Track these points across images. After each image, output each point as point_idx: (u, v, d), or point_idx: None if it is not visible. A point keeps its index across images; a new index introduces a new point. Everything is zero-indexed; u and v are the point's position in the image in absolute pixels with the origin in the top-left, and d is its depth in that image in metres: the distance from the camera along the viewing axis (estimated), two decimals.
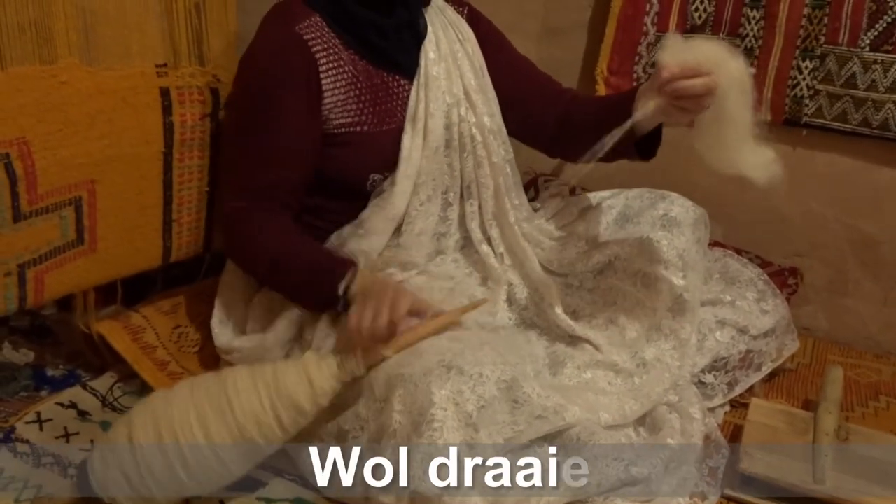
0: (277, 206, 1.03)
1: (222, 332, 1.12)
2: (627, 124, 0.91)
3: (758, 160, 0.90)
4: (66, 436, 1.01)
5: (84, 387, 1.11)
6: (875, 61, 1.24)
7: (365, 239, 1.06)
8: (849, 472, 0.92)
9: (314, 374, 0.86)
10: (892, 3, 1.22)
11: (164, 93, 1.07)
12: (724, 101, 0.86)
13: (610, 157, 0.94)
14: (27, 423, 1.02)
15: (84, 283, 1.07)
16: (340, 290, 0.95)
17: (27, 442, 0.99)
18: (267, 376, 0.86)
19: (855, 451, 0.96)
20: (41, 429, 1.02)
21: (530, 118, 1.17)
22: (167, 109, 1.08)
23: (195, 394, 0.85)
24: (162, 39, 1.06)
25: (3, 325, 1.27)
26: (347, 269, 0.97)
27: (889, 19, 1.23)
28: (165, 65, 1.08)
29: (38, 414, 1.04)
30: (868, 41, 1.24)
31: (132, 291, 1.24)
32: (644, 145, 1.04)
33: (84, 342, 1.19)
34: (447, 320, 0.92)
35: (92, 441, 1.00)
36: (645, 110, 0.90)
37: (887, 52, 1.23)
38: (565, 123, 1.15)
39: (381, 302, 0.88)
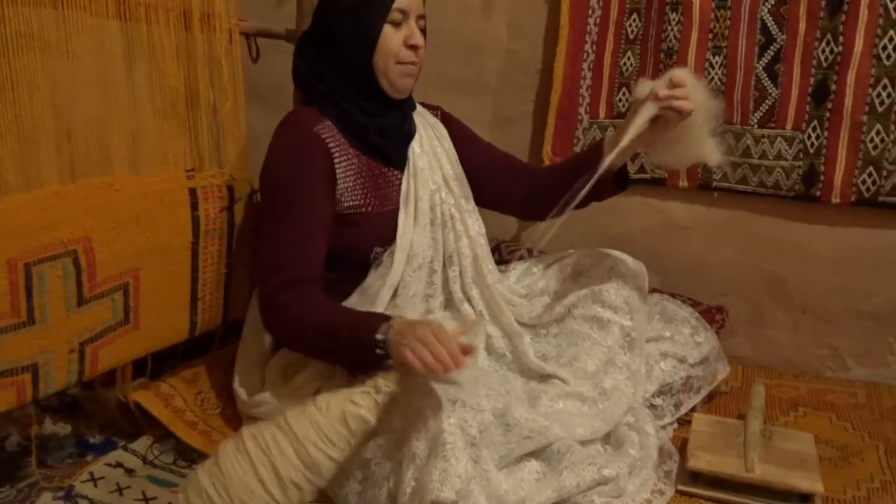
0: (311, 277, 1.19)
1: (243, 391, 1.28)
2: (608, 160, 1.17)
3: (714, 150, 1.18)
4: (119, 490, 1.15)
5: (125, 449, 1.25)
6: (763, 136, 1.53)
7: (370, 304, 1.25)
8: (773, 462, 1.12)
9: (352, 391, 1.02)
10: (770, 91, 1.52)
11: (192, 192, 1.27)
12: (696, 114, 1.13)
13: (586, 200, 1.21)
14: (83, 481, 1.15)
15: (129, 357, 1.23)
16: (380, 336, 1.08)
17: (86, 497, 1.13)
18: (314, 403, 1.02)
19: (777, 445, 1.17)
20: (95, 485, 1.15)
21: (500, 189, 1.42)
22: (194, 206, 1.27)
23: (256, 442, 0.98)
24: (190, 149, 1.27)
25: (35, 405, 1.40)
26: (383, 320, 1.10)
27: (770, 102, 1.53)
28: (193, 169, 1.28)
29: (91, 474, 1.17)
30: (756, 120, 1.54)
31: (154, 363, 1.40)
32: (617, 181, 1.28)
33: (119, 411, 1.33)
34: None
35: (143, 492, 1.15)
36: (647, 115, 1.12)
37: (771, 127, 1.53)
38: (534, 189, 1.38)
39: (427, 337, 1.03)
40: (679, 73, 1.13)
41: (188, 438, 1.25)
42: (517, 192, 1.43)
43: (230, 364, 1.34)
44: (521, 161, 1.50)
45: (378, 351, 1.09)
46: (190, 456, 1.24)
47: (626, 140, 1.15)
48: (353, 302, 1.28)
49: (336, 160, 1.24)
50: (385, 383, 1.05)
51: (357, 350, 1.13)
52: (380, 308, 1.25)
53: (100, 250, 1.12)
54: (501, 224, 1.73)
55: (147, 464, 1.23)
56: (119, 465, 1.21)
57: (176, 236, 1.25)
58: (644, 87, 1.15)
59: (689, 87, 1.12)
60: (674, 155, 1.22)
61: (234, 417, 1.32)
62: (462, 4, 1.73)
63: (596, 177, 1.18)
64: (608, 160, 1.19)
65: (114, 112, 1.15)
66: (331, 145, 1.24)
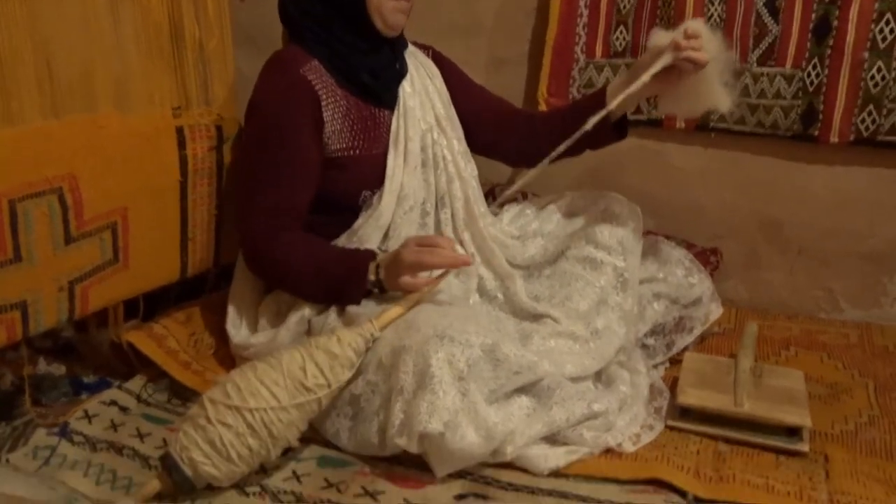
0: (294, 222, 1.21)
1: (237, 332, 1.29)
2: (615, 101, 1.18)
3: (725, 98, 1.19)
4: (114, 426, 1.16)
5: (120, 388, 1.26)
6: (762, 74, 1.51)
7: (359, 245, 1.24)
8: (763, 398, 1.13)
9: (340, 332, 1.05)
10: (770, 27, 1.49)
11: (180, 131, 1.25)
12: (710, 65, 1.14)
13: (582, 146, 1.22)
14: (78, 419, 1.16)
15: (119, 296, 1.23)
16: (371, 278, 1.16)
17: (81, 433, 1.14)
18: (304, 344, 1.04)
19: (767, 382, 1.18)
20: (90, 422, 1.16)
21: (493, 136, 1.41)
22: (182, 145, 1.26)
23: (255, 373, 1.00)
24: (176, 88, 1.24)
25: (29, 347, 1.41)
26: (369, 260, 1.16)
27: (770, 39, 1.50)
28: (180, 108, 1.26)
29: (86, 411, 1.18)
30: (755, 58, 1.51)
31: (148, 306, 1.40)
32: (616, 129, 1.28)
33: (112, 352, 1.34)
34: (416, 299, 1.12)
35: (138, 429, 1.16)
36: (662, 63, 1.13)
37: (771, 66, 1.50)
38: (529, 135, 1.38)
39: (415, 257, 1.11)
40: (695, 25, 1.14)
41: (182, 378, 1.26)
42: (510, 138, 1.41)
43: (223, 306, 1.34)
44: (514, 106, 1.48)
45: (374, 291, 1.13)
46: (184, 395, 1.25)
47: (637, 85, 1.16)
48: (342, 243, 1.27)
49: (323, 103, 1.22)
50: (373, 329, 1.08)
51: (348, 292, 1.15)
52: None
53: (86, 188, 1.11)
54: (496, 167, 1.70)
55: (141, 402, 1.24)
56: (113, 403, 1.22)
57: (163, 176, 1.24)
58: (659, 36, 1.16)
59: (705, 39, 1.13)
60: (685, 104, 1.24)
61: (228, 358, 1.33)
62: None
63: (600, 116, 1.17)
64: (615, 102, 1.19)
65: (97, 48, 1.12)
66: (318, 87, 1.22)
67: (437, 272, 1.16)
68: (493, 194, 1.70)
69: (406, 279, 1.12)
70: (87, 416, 1.18)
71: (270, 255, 1.22)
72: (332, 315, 1.20)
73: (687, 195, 1.63)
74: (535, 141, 1.38)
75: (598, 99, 1.26)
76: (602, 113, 1.18)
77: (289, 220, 1.22)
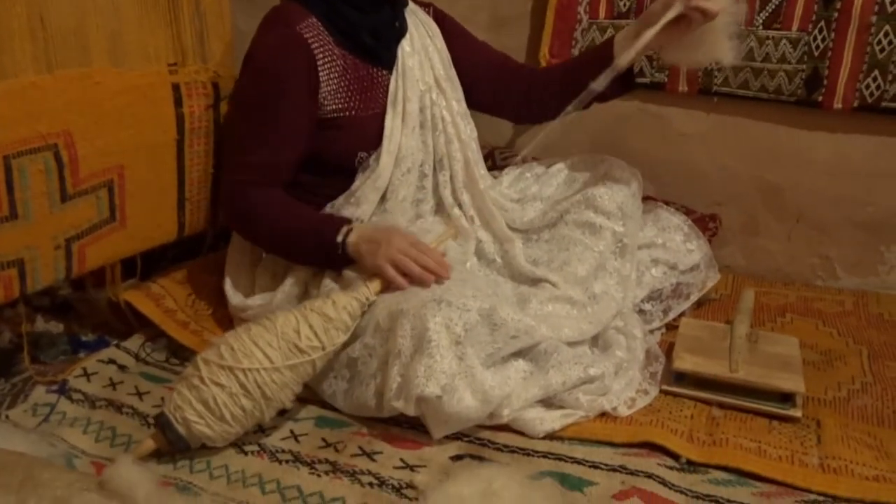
0: (277, 181, 1.20)
1: (234, 294, 1.29)
2: (629, 55, 1.17)
3: (730, 51, 1.18)
4: (112, 384, 1.17)
5: (118, 347, 1.27)
6: (767, 37, 1.48)
7: (356, 207, 1.24)
8: (757, 364, 1.14)
9: (335, 295, 1.06)
10: None
11: (176, 88, 1.24)
12: (719, 16, 1.13)
13: (593, 99, 1.21)
14: (76, 376, 1.17)
15: (116, 255, 1.23)
16: (339, 239, 1.14)
17: (80, 391, 1.15)
18: (300, 307, 1.05)
19: (762, 348, 1.19)
20: (89, 380, 1.17)
21: (495, 92, 1.39)
22: (178, 102, 1.24)
23: (249, 335, 1.01)
24: (172, 43, 1.22)
25: (27, 305, 1.41)
26: (343, 224, 1.15)
27: (777, 2, 1.47)
28: (175, 64, 1.24)
29: (84, 369, 1.19)
30: (761, 20, 1.48)
31: (145, 266, 1.40)
32: (623, 81, 1.26)
33: (110, 310, 1.34)
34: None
35: (136, 387, 1.17)
36: (673, 13, 1.12)
37: (777, 29, 1.47)
38: (531, 91, 1.37)
39: (407, 249, 1.10)
40: None
41: (180, 337, 1.26)
42: (513, 94, 1.40)
43: (221, 267, 1.34)
44: (517, 62, 1.46)
45: (338, 252, 1.13)
46: (182, 354, 1.25)
47: (649, 35, 1.15)
48: (339, 205, 1.27)
49: (319, 62, 1.20)
50: (368, 293, 1.08)
51: (319, 253, 1.15)
52: (365, 210, 1.25)
53: (81, 145, 1.10)
54: (495, 129, 1.70)
55: (139, 361, 1.25)
56: (112, 361, 1.23)
57: (160, 133, 1.23)
58: None
59: None
60: (690, 55, 1.22)
61: (226, 319, 1.33)
62: None
63: (611, 73, 1.17)
64: (629, 55, 1.18)
65: (90, 3, 1.10)
66: (314, 46, 1.20)
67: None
68: (492, 157, 1.69)
69: (382, 263, 1.10)
70: (86, 374, 1.18)
71: (245, 211, 1.22)
72: (327, 278, 1.20)
73: (688, 160, 1.62)
74: (538, 96, 1.38)
75: (605, 52, 1.25)
76: (613, 70, 1.17)
77: (270, 177, 1.21)
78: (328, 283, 1.20)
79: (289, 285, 1.22)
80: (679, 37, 1.17)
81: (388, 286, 1.11)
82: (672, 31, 1.16)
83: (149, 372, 1.21)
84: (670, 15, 1.13)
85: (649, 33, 1.15)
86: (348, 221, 1.18)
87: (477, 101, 1.40)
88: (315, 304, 1.06)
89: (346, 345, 1.09)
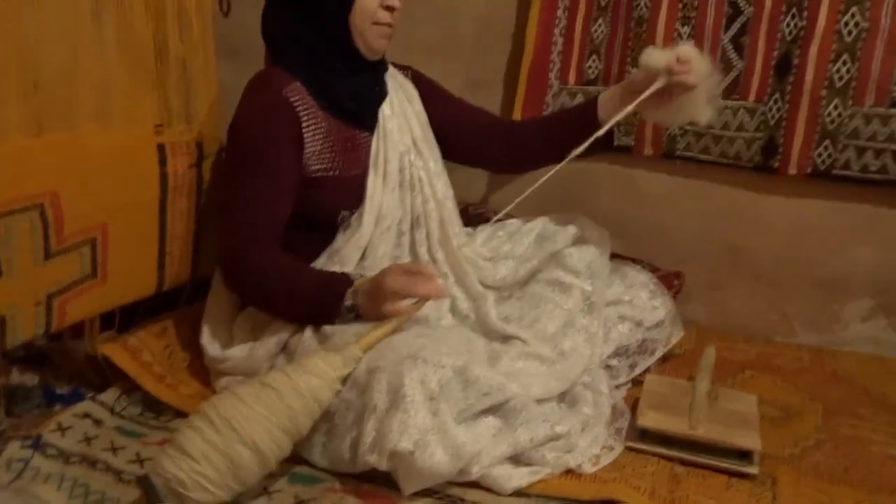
0: (272, 240, 1.23)
1: (212, 345, 1.30)
2: (614, 120, 1.26)
3: (707, 113, 1.28)
4: (87, 439, 1.17)
5: (93, 400, 1.27)
6: (726, 107, 1.57)
7: (339, 266, 1.27)
8: (717, 421, 1.18)
9: (324, 355, 1.08)
10: (735, 62, 1.56)
11: (161, 148, 1.27)
12: (698, 87, 1.23)
13: (567, 154, 1.27)
14: (51, 431, 1.16)
15: (96, 310, 1.25)
16: (348, 303, 1.18)
17: (54, 446, 1.15)
18: (293, 368, 1.07)
19: (723, 406, 1.23)
20: (63, 435, 1.17)
21: (474, 144, 1.46)
22: (163, 162, 1.28)
23: (241, 397, 1.02)
24: (158, 105, 1.27)
25: (3, 356, 1.41)
26: (346, 286, 1.18)
27: (734, 74, 1.56)
28: (161, 125, 1.28)
29: (59, 423, 1.19)
30: (720, 91, 1.56)
31: (123, 318, 1.41)
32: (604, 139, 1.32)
33: (87, 363, 1.35)
34: (399, 322, 1.15)
35: (111, 442, 1.17)
36: (657, 86, 1.21)
37: (735, 99, 1.56)
38: (511, 143, 1.44)
39: (398, 285, 1.14)
40: (686, 49, 1.22)
41: (156, 391, 1.28)
42: (492, 146, 1.46)
43: (198, 319, 1.36)
44: (494, 115, 1.54)
45: (349, 316, 1.17)
46: (157, 408, 1.27)
47: (633, 105, 1.24)
48: (322, 263, 1.30)
49: (304, 124, 1.25)
50: (356, 352, 1.10)
51: (321, 312, 1.18)
52: (348, 269, 1.28)
53: (67, 205, 1.13)
54: (471, 186, 1.76)
55: (115, 415, 1.26)
56: (87, 415, 1.23)
57: (144, 192, 1.26)
58: (652, 56, 1.24)
59: (695, 63, 1.21)
60: (669, 117, 1.32)
61: (202, 371, 1.35)
62: None
63: (598, 135, 1.25)
64: (611, 123, 1.25)
65: (81, 64, 1.14)
66: (299, 109, 1.25)
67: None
68: (465, 213, 1.75)
69: (388, 306, 1.14)
70: (61, 429, 1.19)
71: (248, 274, 1.24)
72: (307, 333, 1.23)
73: (654, 219, 1.68)
74: (519, 148, 1.44)
75: (588, 111, 1.33)
76: (599, 133, 1.26)
77: (266, 236, 1.24)
78: (307, 338, 1.22)
79: (271, 343, 1.24)
80: (661, 104, 1.25)
81: (374, 342, 1.13)
82: (656, 100, 1.24)
83: (124, 426, 1.22)
84: (654, 87, 1.22)
85: (634, 103, 1.24)
86: (349, 281, 1.20)
87: (458, 153, 1.46)
88: (301, 360, 1.08)
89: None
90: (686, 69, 1.20)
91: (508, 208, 1.27)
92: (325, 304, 1.19)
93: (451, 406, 1.07)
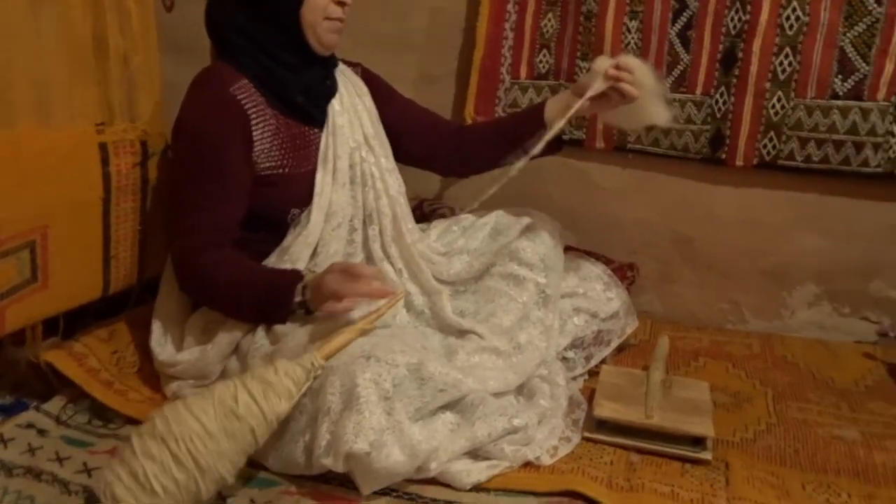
0: (224, 240, 1.21)
1: (161, 350, 1.28)
2: (559, 125, 1.26)
3: (662, 114, 1.29)
4: (31, 450, 1.13)
5: (37, 409, 1.23)
6: (675, 100, 1.59)
7: (290, 264, 1.25)
8: (671, 409, 1.20)
9: (279, 362, 1.05)
10: (682, 56, 1.58)
11: (103, 147, 1.24)
12: (641, 96, 1.24)
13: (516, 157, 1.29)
14: None
15: (38, 316, 1.21)
16: (298, 299, 1.16)
17: None
18: (241, 375, 1.04)
19: (676, 394, 1.25)
20: (6, 447, 1.13)
21: (423, 147, 1.45)
22: (105, 161, 1.24)
23: (185, 403, 0.99)
24: (99, 102, 1.23)
25: None
26: (297, 280, 1.16)
27: (682, 67, 1.59)
28: (103, 123, 1.24)
29: (1, 435, 1.15)
30: (669, 84, 1.59)
31: (68, 322, 1.37)
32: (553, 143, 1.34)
33: (30, 371, 1.30)
34: (365, 326, 1.12)
35: (57, 452, 1.14)
36: (594, 91, 1.23)
37: (682, 92, 1.59)
38: (459, 147, 1.44)
39: (331, 286, 1.12)
40: (627, 60, 1.23)
41: (103, 398, 1.24)
42: (440, 149, 1.46)
43: (147, 322, 1.33)
44: (443, 118, 1.52)
45: (300, 311, 1.15)
46: (105, 415, 1.23)
47: (575, 108, 1.25)
48: (272, 262, 1.28)
49: (253, 122, 1.23)
50: (315, 360, 1.06)
51: (273, 310, 1.16)
52: (300, 267, 1.26)
53: (3, 207, 1.09)
54: (424, 182, 1.75)
55: (60, 424, 1.22)
56: (31, 426, 1.19)
57: (86, 192, 1.22)
58: (600, 62, 1.25)
59: (638, 73, 1.22)
60: (624, 121, 1.35)
61: (152, 376, 1.31)
62: None
63: (546, 139, 1.26)
64: (557, 127, 1.26)
65: (17, 60, 1.11)
66: (247, 106, 1.23)
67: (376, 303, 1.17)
68: (420, 208, 1.74)
69: (328, 306, 1.14)
70: (3, 441, 1.15)
71: (199, 274, 1.22)
72: (259, 333, 1.21)
73: (606, 212, 1.70)
74: (468, 151, 1.44)
75: (536, 114, 1.34)
76: (548, 136, 1.26)
77: (218, 237, 1.22)
78: (259, 338, 1.21)
79: (222, 340, 1.22)
80: (608, 107, 1.27)
81: (336, 350, 1.10)
82: (601, 103, 1.26)
83: (70, 435, 1.18)
84: (591, 92, 1.23)
85: (576, 106, 1.25)
86: (298, 277, 1.18)
87: (407, 155, 1.44)
88: (256, 371, 1.06)
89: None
90: (625, 77, 1.21)
91: (484, 197, 1.28)
92: (275, 301, 1.17)
93: (407, 404, 1.06)
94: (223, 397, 1.00)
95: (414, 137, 1.45)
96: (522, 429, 1.14)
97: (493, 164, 1.41)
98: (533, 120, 1.34)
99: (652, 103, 1.26)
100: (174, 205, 1.26)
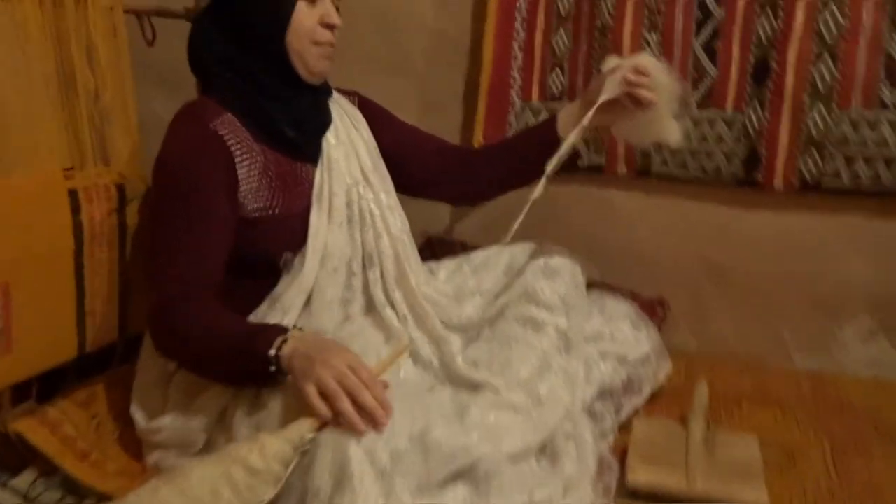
0: (205, 291, 1.09)
1: (142, 416, 1.16)
2: (571, 138, 1.17)
3: (675, 132, 1.19)
4: None
5: (4, 486, 1.11)
6: (703, 118, 1.46)
7: (283, 314, 1.14)
8: (717, 473, 1.05)
9: (265, 439, 0.91)
10: (708, 70, 1.45)
11: (73, 194, 1.13)
12: (662, 97, 1.14)
13: (532, 175, 1.20)
14: None
15: (3, 383, 1.09)
16: (272, 352, 0.99)
17: None
18: (222, 454, 0.91)
19: (721, 453, 1.10)
20: None
21: (430, 174, 1.35)
22: (76, 209, 1.14)
23: (157, 497, 0.87)
24: (68, 145, 1.13)
25: None
26: (277, 334, 1.01)
27: (709, 82, 1.45)
28: (72, 168, 1.14)
29: None
30: (695, 102, 1.46)
31: (45, 384, 1.26)
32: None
33: None
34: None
35: None
36: (606, 95, 1.13)
37: (711, 109, 1.45)
38: (469, 171, 1.34)
39: (344, 375, 0.94)
40: (644, 60, 1.14)
41: (76, 472, 1.12)
42: (448, 175, 1.36)
43: (132, 382, 1.21)
44: (449, 143, 1.42)
45: (271, 368, 0.99)
46: (80, 491, 1.11)
47: (585, 120, 1.16)
48: (263, 312, 1.16)
49: (237, 160, 1.12)
50: (304, 431, 0.92)
51: (249, 366, 1.02)
52: (292, 317, 1.15)
53: None
54: (432, 217, 1.64)
55: (29, 501, 1.10)
56: None
57: (53, 244, 1.12)
58: (609, 64, 1.16)
59: (654, 75, 1.13)
60: (635, 135, 1.24)
61: (134, 443, 1.19)
62: None
63: (560, 156, 1.17)
64: (570, 141, 1.17)
65: None
66: (231, 143, 1.12)
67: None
68: (430, 247, 1.62)
69: (311, 400, 0.95)
70: None
71: (172, 328, 1.10)
72: (245, 400, 1.08)
73: (632, 242, 1.58)
74: (478, 175, 1.34)
75: (548, 130, 1.25)
76: (561, 151, 1.17)
77: (198, 287, 1.10)
78: (247, 403, 1.07)
79: (205, 405, 1.10)
80: (622, 117, 1.17)
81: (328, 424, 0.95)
82: (615, 112, 1.15)
83: None
84: (603, 97, 1.13)
85: (588, 115, 1.15)
86: (284, 331, 1.04)
87: (413, 184, 1.34)
88: (241, 450, 0.91)
89: None
90: (642, 81, 1.12)
91: (514, 229, 1.18)
92: (250, 355, 1.02)
93: (409, 480, 0.92)
94: (201, 494, 0.87)
95: (419, 164, 1.35)
96: (546, 502, 0.99)
97: (506, 187, 1.34)
98: (544, 135, 1.25)
99: (668, 113, 1.16)
100: (152, 250, 1.15)
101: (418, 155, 1.36)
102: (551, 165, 1.16)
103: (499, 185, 1.35)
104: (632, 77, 1.12)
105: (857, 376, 1.46)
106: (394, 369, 1.16)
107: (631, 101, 1.14)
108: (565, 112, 1.25)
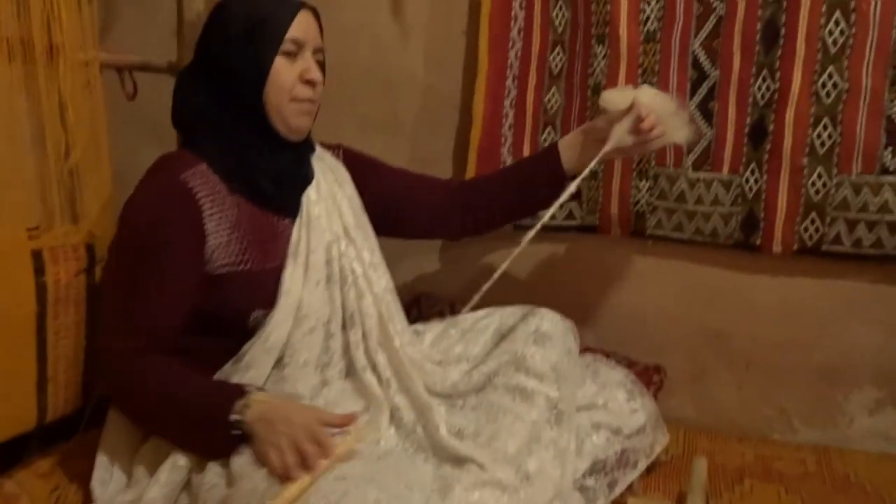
0: (164, 346, 1.05)
1: (104, 489, 1.09)
2: (581, 175, 1.22)
3: (684, 136, 1.22)
4: None
5: None
6: (698, 179, 1.42)
7: (245, 372, 1.08)
8: None
9: None
10: (704, 131, 1.41)
11: (37, 255, 1.09)
12: (668, 130, 1.20)
13: (535, 207, 1.32)
14: None
15: None
16: (233, 418, 0.96)
17: None
18: None
19: None
20: None
21: (430, 212, 1.34)
22: (40, 270, 1.09)
23: None
24: (33, 203, 1.08)
25: None
26: (238, 395, 0.98)
27: (705, 143, 1.42)
28: (37, 227, 1.09)
29: None
30: (690, 162, 1.42)
31: (7, 452, 1.19)
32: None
33: None
34: (332, 464, 0.94)
35: None
36: (617, 145, 1.18)
37: (707, 170, 1.42)
38: (469, 202, 1.34)
39: (296, 434, 0.93)
40: (645, 99, 1.17)
41: None
42: (447, 211, 1.35)
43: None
44: (441, 179, 1.40)
45: (234, 432, 0.96)
46: None
47: (593, 163, 1.21)
48: (227, 372, 1.11)
49: (206, 213, 1.08)
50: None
51: (209, 433, 0.97)
52: (258, 377, 1.09)
53: None
54: (421, 275, 1.58)
55: None
56: None
57: (13, 308, 1.07)
58: (611, 100, 1.19)
59: (658, 112, 1.17)
60: (640, 152, 1.34)
61: None
62: (375, 37, 1.59)
63: (566, 195, 1.23)
64: (575, 183, 1.23)
65: None
66: (200, 195, 1.08)
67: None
68: (417, 306, 1.57)
69: (273, 464, 0.93)
70: None
71: (128, 382, 1.05)
72: (212, 470, 1.01)
73: (626, 305, 1.52)
74: (473, 208, 1.33)
75: (551, 159, 1.27)
76: (570, 189, 1.23)
77: (155, 341, 1.06)
78: (213, 476, 1.01)
79: (165, 476, 1.03)
80: (630, 152, 1.26)
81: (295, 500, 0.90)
82: (623, 149, 1.21)
83: None
84: (611, 146, 1.18)
85: (596, 159, 1.20)
86: (242, 391, 1.00)
87: (412, 228, 1.34)
88: None
89: None
90: (649, 127, 1.16)
91: (487, 286, 1.24)
92: (209, 418, 0.98)
93: None
94: None
95: (414, 204, 1.33)
96: None
97: (506, 218, 1.37)
98: (549, 167, 1.27)
99: (674, 133, 1.21)
100: (107, 301, 1.11)
101: (412, 195, 1.34)
102: (548, 214, 1.23)
103: (497, 217, 1.36)
104: (640, 126, 1.15)
105: (865, 450, 1.40)
106: (373, 439, 1.10)
107: (639, 139, 1.18)
108: (566, 144, 1.26)
